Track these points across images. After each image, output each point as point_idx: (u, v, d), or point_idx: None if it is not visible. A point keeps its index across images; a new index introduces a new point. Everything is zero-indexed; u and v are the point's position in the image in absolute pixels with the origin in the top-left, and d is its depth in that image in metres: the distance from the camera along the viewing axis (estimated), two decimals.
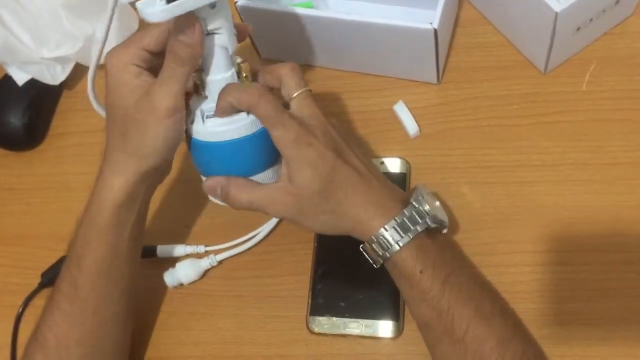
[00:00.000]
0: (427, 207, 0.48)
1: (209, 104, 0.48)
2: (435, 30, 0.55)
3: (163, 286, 0.59)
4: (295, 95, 0.48)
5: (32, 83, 0.67)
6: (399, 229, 0.47)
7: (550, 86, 0.61)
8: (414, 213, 0.47)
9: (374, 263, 0.48)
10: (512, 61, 0.62)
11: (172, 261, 0.60)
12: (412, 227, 0.47)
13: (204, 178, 0.51)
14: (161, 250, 0.60)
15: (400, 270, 0.47)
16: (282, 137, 0.46)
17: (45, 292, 0.60)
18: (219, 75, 0.48)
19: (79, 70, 0.70)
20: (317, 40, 0.63)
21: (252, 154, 0.49)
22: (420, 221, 0.47)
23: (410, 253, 0.47)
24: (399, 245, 0.46)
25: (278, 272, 0.58)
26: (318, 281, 0.56)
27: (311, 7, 0.66)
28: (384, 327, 0.54)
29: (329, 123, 0.49)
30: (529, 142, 0.59)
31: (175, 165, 0.64)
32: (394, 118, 0.62)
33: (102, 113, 0.50)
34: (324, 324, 0.54)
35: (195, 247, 0.60)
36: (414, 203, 0.48)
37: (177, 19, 0.43)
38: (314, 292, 0.56)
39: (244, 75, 0.48)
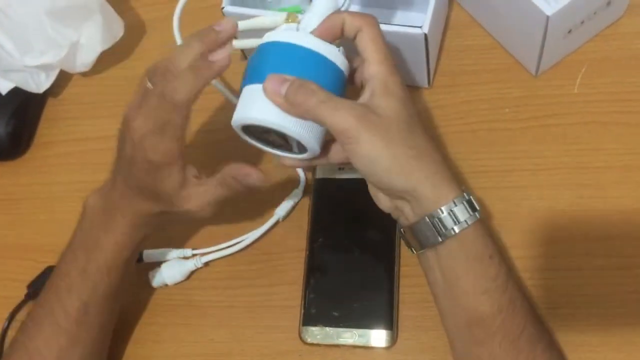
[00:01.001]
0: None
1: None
2: (426, 35, 0.54)
3: (153, 297, 0.59)
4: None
5: (16, 91, 0.66)
6: (467, 206, 0.43)
7: (542, 89, 0.60)
8: (471, 196, 0.45)
9: (435, 237, 0.43)
10: (503, 64, 0.62)
11: (158, 266, 0.59)
12: (477, 208, 0.44)
13: (250, 87, 0.46)
14: (147, 255, 0.59)
15: (468, 252, 0.44)
16: (384, 63, 0.45)
17: (32, 304, 0.58)
18: (325, 14, 0.47)
19: (63, 78, 0.69)
20: None
21: (332, 84, 0.45)
22: (477, 206, 0.45)
23: (482, 232, 0.44)
24: (467, 223, 0.43)
25: (270, 281, 0.57)
26: (310, 290, 0.55)
27: (299, 11, 0.65)
28: (378, 337, 0.53)
29: None
30: (522, 146, 0.58)
31: None
32: None
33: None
34: (317, 334, 0.54)
35: (182, 250, 0.59)
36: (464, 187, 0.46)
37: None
38: (307, 302, 0.55)
39: None
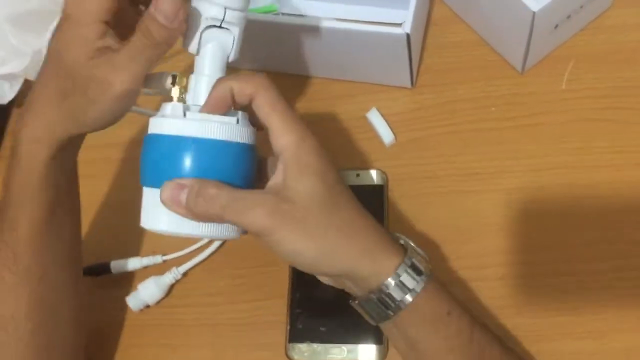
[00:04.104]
0: (421, 251, 0.42)
1: (188, 102, 0.41)
2: (408, 35, 0.52)
3: (131, 317, 0.56)
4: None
5: None
6: (411, 271, 0.40)
7: (529, 86, 0.58)
8: (417, 254, 0.41)
9: (386, 312, 0.40)
10: (488, 61, 0.60)
11: (129, 277, 0.57)
12: (423, 269, 0.40)
13: (149, 190, 0.41)
14: (115, 265, 0.57)
15: (424, 317, 0.41)
16: (291, 131, 0.39)
17: None
18: (214, 75, 0.41)
19: (28, 87, 0.66)
20: (281, 46, 0.59)
21: (235, 166, 0.40)
22: (425, 262, 0.41)
23: (434, 291, 0.41)
24: (416, 291, 0.40)
25: (253, 296, 0.55)
26: (296, 305, 0.53)
27: (275, 10, 0.62)
28: (368, 352, 0.51)
29: None
30: (510, 146, 0.56)
31: (123, 175, 0.61)
32: (368, 126, 0.59)
33: None
34: (304, 351, 0.51)
35: (152, 257, 0.57)
36: (411, 245, 0.42)
37: None
38: (293, 317, 0.53)
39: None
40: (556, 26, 0.54)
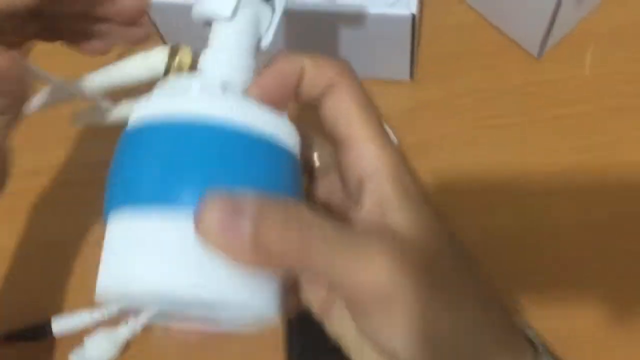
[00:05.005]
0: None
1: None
2: (414, 16, 0.43)
3: None
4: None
5: None
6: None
7: (547, 73, 0.50)
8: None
9: None
10: (496, 46, 0.51)
11: (76, 340, 0.44)
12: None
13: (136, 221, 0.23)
14: (57, 324, 0.45)
15: None
16: (384, 148, 0.25)
17: None
18: (244, 54, 0.26)
19: None
20: None
21: (301, 188, 0.25)
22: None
23: None
24: None
25: (239, 352, 0.45)
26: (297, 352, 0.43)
27: None
28: None
29: None
30: (530, 144, 0.48)
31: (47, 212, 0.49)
32: None
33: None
34: None
35: (103, 310, 0.44)
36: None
37: None
38: None
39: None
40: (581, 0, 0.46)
